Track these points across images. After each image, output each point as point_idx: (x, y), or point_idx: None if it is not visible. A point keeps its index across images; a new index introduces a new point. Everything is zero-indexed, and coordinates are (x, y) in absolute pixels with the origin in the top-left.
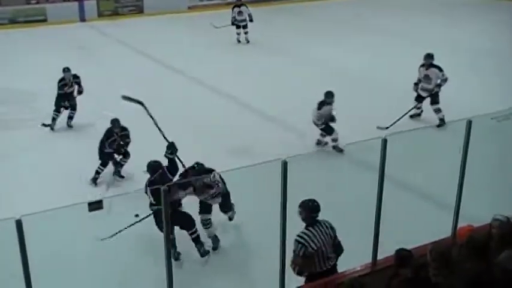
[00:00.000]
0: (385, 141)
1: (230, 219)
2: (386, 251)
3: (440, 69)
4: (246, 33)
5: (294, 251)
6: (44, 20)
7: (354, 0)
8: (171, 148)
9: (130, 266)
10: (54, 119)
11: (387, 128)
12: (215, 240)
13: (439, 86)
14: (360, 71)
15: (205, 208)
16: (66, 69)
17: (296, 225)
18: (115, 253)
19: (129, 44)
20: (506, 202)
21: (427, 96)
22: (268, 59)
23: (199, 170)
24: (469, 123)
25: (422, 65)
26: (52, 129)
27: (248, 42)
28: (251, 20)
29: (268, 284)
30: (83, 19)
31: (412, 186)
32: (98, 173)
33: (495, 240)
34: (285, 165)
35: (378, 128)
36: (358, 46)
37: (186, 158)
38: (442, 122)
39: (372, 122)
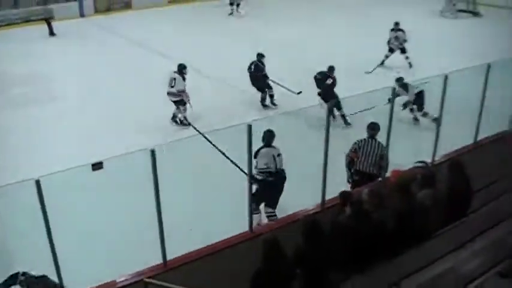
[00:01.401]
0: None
1: None
2: (332, 192)
3: (404, 31)
4: (238, 5)
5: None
6: (52, 18)
7: None
8: None
9: None
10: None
11: (370, 72)
12: None
13: (405, 41)
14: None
15: None
16: None
17: None
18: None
19: (120, 32)
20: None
21: (398, 49)
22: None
23: None
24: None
25: (392, 29)
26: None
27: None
28: None
29: None
30: (82, 15)
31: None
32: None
33: (417, 181)
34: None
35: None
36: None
37: None
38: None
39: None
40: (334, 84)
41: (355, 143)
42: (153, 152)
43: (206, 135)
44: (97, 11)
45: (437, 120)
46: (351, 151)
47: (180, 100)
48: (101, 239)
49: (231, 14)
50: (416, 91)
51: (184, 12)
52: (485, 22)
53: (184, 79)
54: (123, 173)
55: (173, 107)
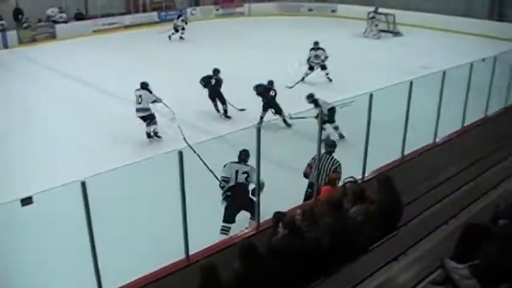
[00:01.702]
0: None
1: None
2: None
3: (324, 50)
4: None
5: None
6: None
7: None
8: None
9: None
10: None
11: (291, 87)
12: None
13: (326, 58)
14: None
15: None
16: None
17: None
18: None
19: (44, 63)
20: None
21: (317, 67)
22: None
23: None
24: (259, 130)
25: (312, 49)
26: None
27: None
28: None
29: None
30: (6, 46)
31: (283, 163)
32: None
33: (348, 198)
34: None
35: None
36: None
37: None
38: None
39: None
40: (276, 95)
41: (312, 158)
42: (83, 184)
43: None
44: (21, 42)
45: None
46: (308, 165)
47: (149, 115)
48: None
49: (172, 35)
50: (328, 107)
51: (110, 40)
52: (405, 40)
53: (151, 92)
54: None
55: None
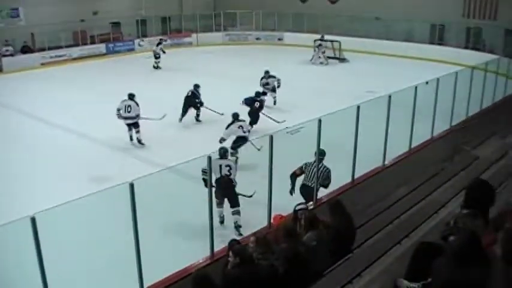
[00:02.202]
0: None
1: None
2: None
3: (275, 77)
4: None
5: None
6: None
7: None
8: None
9: None
10: None
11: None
12: None
13: (278, 85)
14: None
15: None
16: None
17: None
18: None
19: None
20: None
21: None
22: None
23: None
24: (271, 138)
25: (263, 77)
26: None
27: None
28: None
29: None
30: None
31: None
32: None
33: (300, 224)
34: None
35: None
36: None
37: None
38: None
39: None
40: (262, 107)
41: (305, 163)
42: (33, 220)
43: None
44: None
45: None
46: (299, 168)
47: (135, 123)
48: None
49: (157, 67)
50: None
51: (58, 73)
52: (351, 66)
53: (137, 104)
54: None
55: None
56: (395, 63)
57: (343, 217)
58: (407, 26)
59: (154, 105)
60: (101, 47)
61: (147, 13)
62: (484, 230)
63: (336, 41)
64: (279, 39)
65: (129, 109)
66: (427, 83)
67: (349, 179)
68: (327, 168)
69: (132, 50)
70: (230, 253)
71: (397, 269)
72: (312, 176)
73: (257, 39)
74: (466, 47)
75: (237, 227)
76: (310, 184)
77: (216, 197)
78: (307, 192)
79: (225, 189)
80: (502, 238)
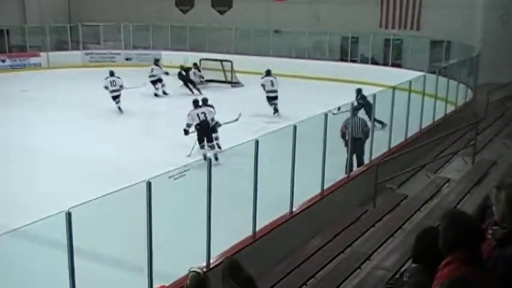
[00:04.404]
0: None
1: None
2: None
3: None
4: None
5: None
6: None
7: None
8: None
9: None
10: None
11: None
12: None
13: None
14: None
15: None
16: None
17: None
18: None
19: None
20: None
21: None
22: None
23: None
24: (149, 184)
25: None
26: None
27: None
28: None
29: None
30: None
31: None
32: None
33: None
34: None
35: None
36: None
37: None
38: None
39: None
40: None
41: (345, 120)
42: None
43: None
44: None
45: None
46: (342, 126)
47: (119, 95)
48: None
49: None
50: None
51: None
52: (245, 90)
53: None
54: None
55: None
56: (300, 86)
57: (241, 282)
58: (313, 40)
59: None
60: None
61: None
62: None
63: (227, 60)
64: (156, 60)
65: (114, 83)
66: (339, 109)
67: (249, 232)
68: (362, 119)
69: None
70: None
71: None
72: (353, 128)
73: (127, 59)
74: (385, 63)
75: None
76: (354, 135)
77: (199, 136)
78: (355, 142)
79: (205, 131)
80: None
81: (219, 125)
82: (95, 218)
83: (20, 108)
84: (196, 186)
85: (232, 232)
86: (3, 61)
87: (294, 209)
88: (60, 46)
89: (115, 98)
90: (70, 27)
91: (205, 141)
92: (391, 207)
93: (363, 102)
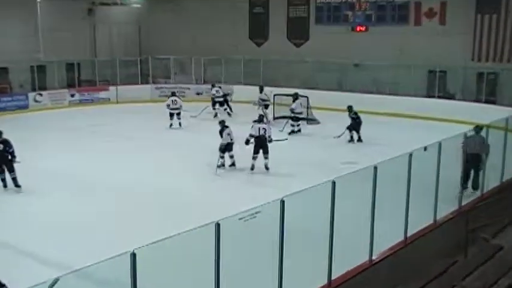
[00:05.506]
0: None
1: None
2: None
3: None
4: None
5: None
6: None
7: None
8: None
9: None
10: None
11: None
12: None
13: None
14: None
15: None
16: None
17: None
18: None
19: None
20: None
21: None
22: None
23: None
24: (218, 226)
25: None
26: None
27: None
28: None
29: None
30: None
31: None
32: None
33: None
34: None
35: None
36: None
37: None
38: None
39: None
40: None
41: (464, 138)
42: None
43: None
44: None
45: None
46: (462, 144)
47: (179, 112)
48: None
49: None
50: None
51: None
52: (321, 128)
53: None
54: None
55: None
56: (380, 124)
57: None
58: (396, 74)
59: None
60: None
61: (47, 57)
62: None
63: (303, 96)
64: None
65: (175, 103)
66: (425, 148)
67: (324, 281)
68: (482, 136)
69: (24, 107)
70: None
71: None
72: (472, 146)
73: (198, 94)
74: (478, 100)
75: (267, 168)
76: (472, 151)
77: (255, 149)
78: (472, 158)
79: (261, 144)
80: None
81: (271, 141)
82: (161, 258)
83: (91, 141)
84: (266, 226)
85: (304, 278)
86: (73, 95)
87: (373, 257)
88: (129, 80)
89: (172, 115)
90: (140, 60)
91: (261, 153)
92: (484, 259)
93: (355, 117)
